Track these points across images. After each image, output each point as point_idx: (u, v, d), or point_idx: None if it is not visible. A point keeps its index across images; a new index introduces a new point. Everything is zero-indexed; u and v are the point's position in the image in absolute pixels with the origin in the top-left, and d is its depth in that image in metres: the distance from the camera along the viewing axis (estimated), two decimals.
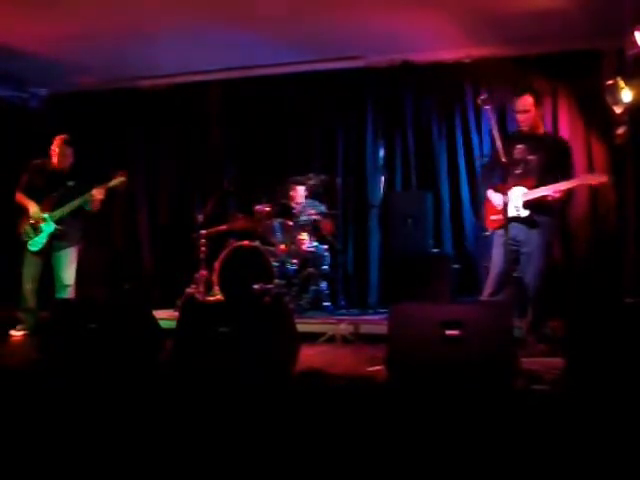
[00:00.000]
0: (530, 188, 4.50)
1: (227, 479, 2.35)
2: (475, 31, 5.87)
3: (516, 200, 4.52)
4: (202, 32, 5.90)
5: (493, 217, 4.65)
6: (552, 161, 4.54)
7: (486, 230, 4.85)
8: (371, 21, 5.69)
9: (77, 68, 6.86)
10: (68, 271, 5.40)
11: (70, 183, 5.38)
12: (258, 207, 6.21)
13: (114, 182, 5.39)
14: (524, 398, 2.92)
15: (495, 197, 4.66)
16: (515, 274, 4.66)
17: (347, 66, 6.73)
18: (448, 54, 6.43)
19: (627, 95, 5.33)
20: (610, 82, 5.47)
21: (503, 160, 4.11)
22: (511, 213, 4.49)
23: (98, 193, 5.29)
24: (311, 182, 6.43)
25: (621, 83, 5.36)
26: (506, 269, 4.38)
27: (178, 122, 7.40)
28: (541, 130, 4.78)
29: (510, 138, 4.89)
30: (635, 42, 4.85)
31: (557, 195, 4.42)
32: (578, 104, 6.17)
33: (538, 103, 4.67)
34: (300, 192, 6.47)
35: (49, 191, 5.38)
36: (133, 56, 6.52)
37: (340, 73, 6.83)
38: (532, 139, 4.62)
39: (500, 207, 4.53)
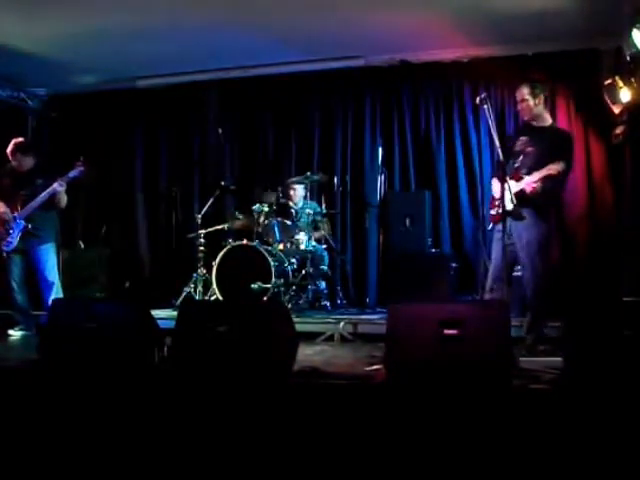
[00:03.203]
0: (518, 181, 4.33)
1: (226, 477, 2.36)
2: (473, 31, 5.87)
3: (509, 193, 4.29)
4: (202, 32, 5.90)
5: (492, 211, 4.52)
6: (550, 153, 4.32)
7: (490, 224, 4.67)
8: (370, 21, 5.69)
9: (77, 68, 6.87)
10: (48, 268, 5.37)
11: (39, 181, 5.36)
12: (256, 206, 6.21)
13: (73, 172, 5.31)
14: (522, 398, 2.92)
15: (495, 187, 4.46)
16: (515, 273, 4.58)
17: (346, 66, 6.74)
18: (447, 54, 6.44)
19: (625, 95, 5.34)
20: (609, 82, 5.48)
21: (501, 156, 4.07)
22: (507, 206, 4.32)
23: (59, 185, 5.25)
24: (310, 182, 6.44)
25: (619, 83, 5.37)
26: (502, 265, 4.32)
27: (177, 122, 7.41)
28: (548, 122, 4.55)
29: (518, 130, 4.80)
30: (633, 42, 4.86)
31: (530, 188, 4.23)
32: (576, 103, 6.18)
33: (534, 94, 4.45)
34: (299, 192, 6.48)
35: (18, 191, 5.37)
36: (133, 55, 6.52)
37: (339, 73, 6.84)
38: (536, 131, 4.47)
39: (497, 199, 4.41)
